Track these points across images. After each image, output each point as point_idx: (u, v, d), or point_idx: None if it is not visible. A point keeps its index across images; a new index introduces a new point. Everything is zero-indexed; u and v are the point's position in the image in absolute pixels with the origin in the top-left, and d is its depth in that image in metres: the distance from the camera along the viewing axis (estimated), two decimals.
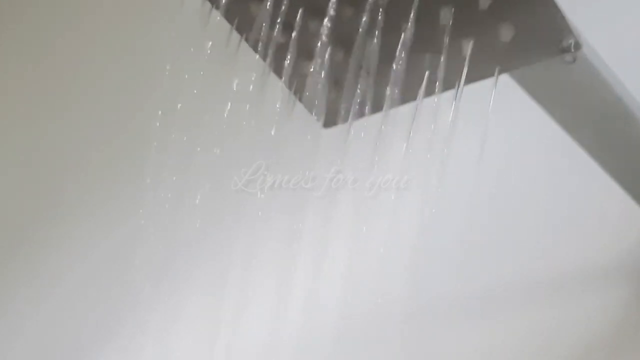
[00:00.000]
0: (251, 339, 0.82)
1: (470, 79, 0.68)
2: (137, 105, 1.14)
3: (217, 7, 0.68)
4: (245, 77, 0.72)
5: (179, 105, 0.73)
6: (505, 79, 0.71)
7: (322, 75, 0.69)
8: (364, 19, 0.67)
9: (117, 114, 1.26)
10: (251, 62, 0.72)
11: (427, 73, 0.68)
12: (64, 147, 1.30)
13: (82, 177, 1.26)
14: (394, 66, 0.67)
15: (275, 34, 0.68)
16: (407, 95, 0.69)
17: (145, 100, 0.74)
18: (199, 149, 0.75)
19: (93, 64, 1.33)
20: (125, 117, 1.24)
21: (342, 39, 0.68)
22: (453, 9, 0.66)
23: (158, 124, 0.76)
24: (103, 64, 1.32)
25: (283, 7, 0.67)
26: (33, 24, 1.41)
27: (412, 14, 0.66)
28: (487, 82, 0.69)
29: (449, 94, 0.69)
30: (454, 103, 0.69)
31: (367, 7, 0.67)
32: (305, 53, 0.69)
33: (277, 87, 0.72)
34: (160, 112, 0.75)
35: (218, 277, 0.83)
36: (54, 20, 1.40)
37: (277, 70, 0.71)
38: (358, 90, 0.69)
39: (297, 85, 0.72)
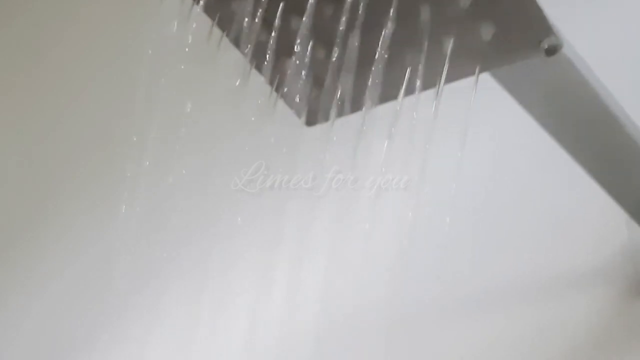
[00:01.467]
0: (230, 344, 0.82)
1: (450, 78, 0.68)
2: (120, 110, 1.14)
3: (198, 3, 0.68)
4: (228, 74, 0.72)
5: (158, 112, 0.73)
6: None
7: (303, 73, 0.69)
8: (344, 17, 0.67)
9: (100, 120, 1.26)
10: (234, 58, 0.72)
11: (407, 71, 0.68)
12: (51, 154, 1.30)
13: (65, 184, 1.26)
14: (375, 64, 0.67)
15: (256, 30, 0.68)
16: (388, 94, 0.69)
17: (128, 104, 0.74)
18: (178, 159, 0.75)
19: (77, 72, 1.33)
20: (108, 123, 1.24)
21: (323, 37, 0.68)
22: (433, 7, 0.66)
23: (135, 132, 0.76)
24: (86, 72, 1.31)
25: (264, 3, 0.67)
26: (20, 31, 1.41)
27: (392, 12, 0.66)
28: (470, 82, 0.69)
29: (432, 93, 0.69)
30: (434, 102, 0.69)
31: (348, 5, 0.66)
32: (286, 50, 0.69)
33: (261, 86, 0.72)
34: (139, 117, 0.75)
35: (197, 284, 0.83)
36: (39, 27, 1.40)
37: (259, 67, 0.71)
38: (339, 89, 0.69)
39: (279, 83, 0.72)
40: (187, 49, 0.69)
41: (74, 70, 1.34)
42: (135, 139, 0.75)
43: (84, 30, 1.37)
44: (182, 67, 0.69)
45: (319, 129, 0.74)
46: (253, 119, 0.70)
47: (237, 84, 0.71)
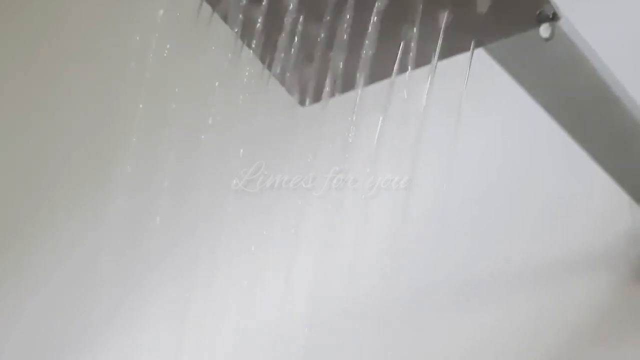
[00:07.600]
0: (221, 341, 0.81)
1: (445, 54, 0.66)
2: (107, 111, 1.14)
3: None
4: (220, 54, 0.71)
5: (144, 108, 0.72)
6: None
7: (294, 50, 0.68)
8: None
9: (88, 121, 1.25)
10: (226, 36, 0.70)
11: (401, 45, 0.67)
12: (40, 156, 1.29)
13: (53, 186, 1.25)
14: (367, 40, 0.66)
15: (246, 6, 0.67)
16: (381, 71, 0.68)
17: (114, 105, 0.73)
18: (163, 161, 0.74)
19: (60, 71, 1.31)
20: (96, 125, 1.23)
21: (314, 12, 0.67)
22: None
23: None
24: (69, 73, 1.30)
25: None
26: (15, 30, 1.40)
27: None
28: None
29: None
30: (429, 78, 0.67)
31: None
32: (277, 26, 0.68)
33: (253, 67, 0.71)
34: (125, 119, 0.74)
35: (186, 284, 0.82)
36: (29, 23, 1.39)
37: (250, 44, 0.70)
38: (331, 66, 0.68)
39: (270, 61, 0.70)
40: (178, 29, 0.68)
41: (57, 69, 1.33)
42: (120, 142, 0.75)
43: (67, 29, 1.36)
44: (167, 51, 0.68)
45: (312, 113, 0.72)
46: (241, 101, 0.69)
47: (229, 60, 0.69)
